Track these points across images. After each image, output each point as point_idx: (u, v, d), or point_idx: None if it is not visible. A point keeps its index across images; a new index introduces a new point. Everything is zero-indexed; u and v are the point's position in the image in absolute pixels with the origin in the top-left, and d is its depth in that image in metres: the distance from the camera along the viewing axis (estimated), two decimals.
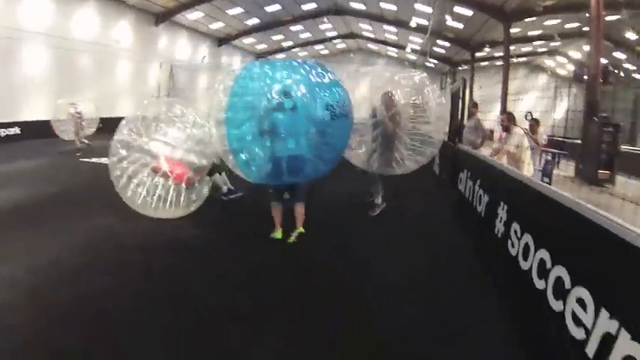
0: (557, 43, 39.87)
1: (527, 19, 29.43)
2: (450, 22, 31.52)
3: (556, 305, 3.34)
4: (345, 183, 9.47)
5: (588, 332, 2.81)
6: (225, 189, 8.17)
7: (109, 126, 26.42)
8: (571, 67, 47.66)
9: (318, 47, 51.47)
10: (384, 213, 7.92)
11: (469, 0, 27.72)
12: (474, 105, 12.24)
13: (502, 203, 5.37)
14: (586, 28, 33.52)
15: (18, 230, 6.58)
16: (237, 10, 34.33)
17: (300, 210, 6.42)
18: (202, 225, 7.03)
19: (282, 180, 5.80)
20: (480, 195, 6.56)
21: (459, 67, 48.43)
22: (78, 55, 25.42)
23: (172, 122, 6.86)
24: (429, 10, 31.32)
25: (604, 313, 2.68)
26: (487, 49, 39.00)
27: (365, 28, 43.97)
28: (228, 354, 3.56)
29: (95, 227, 6.84)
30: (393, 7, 34.69)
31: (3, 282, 4.66)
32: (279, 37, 43.85)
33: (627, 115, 37.61)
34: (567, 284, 3.22)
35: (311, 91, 5.54)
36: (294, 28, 41.64)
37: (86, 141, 17.63)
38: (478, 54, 41.17)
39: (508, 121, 7.84)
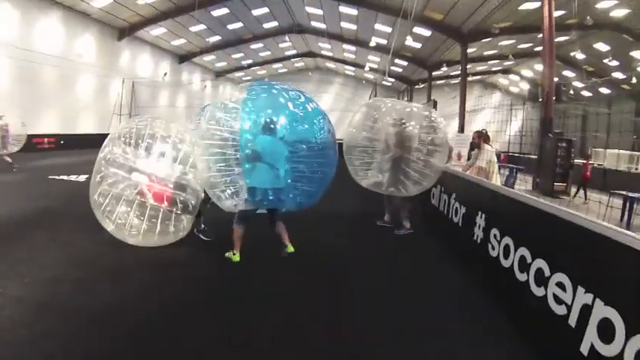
0: (511, 62, 41.44)
1: (483, 40, 30.54)
2: (408, 41, 32.52)
3: (538, 291, 4.06)
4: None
5: (569, 307, 3.53)
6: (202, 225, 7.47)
7: (70, 142, 26.50)
8: (524, 85, 49.67)
9: (276, 66, 52.00)
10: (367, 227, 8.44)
11: (428, 21, 28.58)
12: None
13: (480, 212, 5.89)
14: (538, 48, 35.21)
15: (13, 245, 6.61)
16: (200, 27, 34.51)
17: (281, 226, 6.48)
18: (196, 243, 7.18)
19: (263, 207, 6.10)
20: (457, 207, 7.07)
21: (416, 86, 49.75)
22: (39, 68, 24.82)
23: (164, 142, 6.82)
24: (388, 29, 32.26)
25: (581, 290, 3.42)
26: (444, 68, 40.17)
27: (324, 47, 44.71)
28: None
29: (91, 242, 6.92)
30: (353, 27, 35.55)
31: (9, 298, 4.70)
32: (239, 55, 44.12)
33: (577, 130, 39.44)
34: (547, 273, 3.96)
35: (290, 123, 5.71)
36: (254, 46, 42.01)
37: (8, 159, 15.79)
38: (435, 73, 42.40)
39: (479, 138, 8.43)
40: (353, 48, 41.94)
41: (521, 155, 30.04)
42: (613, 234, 3.21)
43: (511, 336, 4.34)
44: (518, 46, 35.34)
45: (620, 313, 2.95)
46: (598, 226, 3.43)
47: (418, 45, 35.28)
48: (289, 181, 5.75)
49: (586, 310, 3.31)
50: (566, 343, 3.46)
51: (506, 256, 4.90)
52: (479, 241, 5.84)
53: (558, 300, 3.70)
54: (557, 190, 15.04)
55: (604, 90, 40.28)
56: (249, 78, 52.42)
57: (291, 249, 6.41)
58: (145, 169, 6.60)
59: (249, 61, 46.80)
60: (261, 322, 4.46)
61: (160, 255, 6.43)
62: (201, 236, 7.26)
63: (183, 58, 40.55)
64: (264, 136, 5.64)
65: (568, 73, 38.55)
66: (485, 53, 37.27)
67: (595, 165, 22.34)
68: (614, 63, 32.44)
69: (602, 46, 31.46)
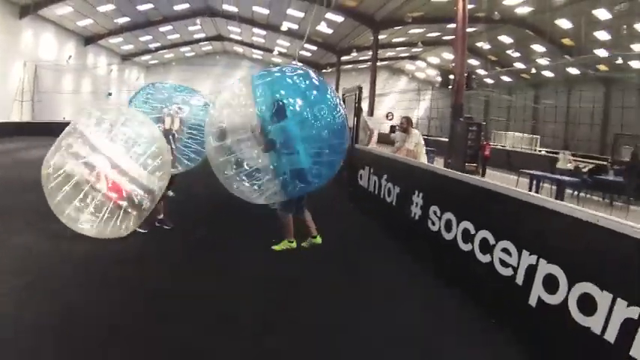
0: (419, 50, 42.99)
1: (395, 28, 31.48)
2: (320, 27, 32.87)
3: (484, 258, 4.61)
4: None
5: (515, 269, 4.10)
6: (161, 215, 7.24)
7: None
8: (430, 71, 51.67)
9: (184, 49, 50.66)
10: None
11: (342, 7, 29.03)
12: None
13: (417, 192, 6.28)
14: (447, 37, 36.95)
15: None
16: (108, 7, 32.43)
17: (308, 215, 6.48)
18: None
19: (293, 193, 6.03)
20: (390, 188, 7.44)
21: (323, 70, 50.32)
22: None
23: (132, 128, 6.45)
24: (301, 14, 32.45)
25: (525, 253, 4.00)
26: (354, 54, 40.96)
27: (234, 30, 43.98)
28: None
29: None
30: (266, 11, 35.35)
31: None
32: (148, 37, 42.34)
33: (479, 114, 41.72)
34: (492, 241, 4.48)
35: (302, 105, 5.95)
36: (163, 29, 40.49)
37: None
38: (343, 58, 43.10)
39: (407, 124, 8.88)
40: (263, 32, 41.61)
41: (429, 137, 31.35)
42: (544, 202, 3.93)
43: (460, 298, 4.85)
44: (427, 35, 36.73)
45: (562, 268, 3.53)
46: (534, 197, 4.10)
47: (330, 30, 35.68)
48: (310, 160, 5.91)
49: (531, 270, 3.88)
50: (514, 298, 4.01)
51: (448, 229, 5.32)
52: (417, 218, 6.21)
53: (505, 264, 4.21)
54: (468, 169, 15.86)
55: (505, 78, 42.78)
56: (156, 62, 50.79)
57: (318, 240, 6.45)
58: (109, 154, 6.17)
59: (157, 44, 45.13)
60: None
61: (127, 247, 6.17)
62: (164, 226, 7.08)
63: (89, 40, 38.19)
64: (275, 124, 5.78)
65: (473, 62, 40.55)
66: (395, 40, 38.38)
67: (498, 146, 24.08)
68: (516, 54, 34.65)
69: (505, 39, 33.39)
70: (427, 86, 53.41)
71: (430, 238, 5.76)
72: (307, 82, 6.12)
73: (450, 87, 18.27)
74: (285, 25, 35.16)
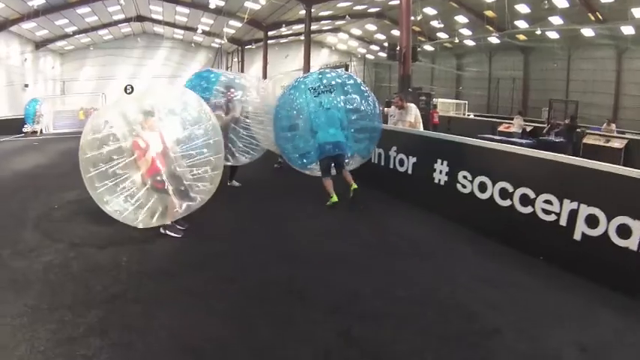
0: (343, 22, 43.47)
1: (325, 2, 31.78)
2: (247, 3, 32.56)
3: (525, 210, 5.61)
4: None
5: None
6: None
7: None
8: (352, 43, 52.29)
9: (102, 32, 48.00)
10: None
11: None
12: None
13: (440, 160, 6.95)
14: (372, 9, 37.73)
15: None
16: None
17: (346, 173, 7.71)
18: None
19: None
20: (402, 158, 8.11)
21: (247, 46, 49.89)
22: None
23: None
24: None
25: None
26: (283, 29, 40.93)
27: (155, 10, 42.42)
28: None
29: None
30: None
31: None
32: (64, 21, 39.60)
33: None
34: (532, 195, 5.34)
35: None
36: (81, 10, 38.12)
37: None
38: (270, 33, 42.89)
39: (402, 100, 9.52)
40: (186, 10, 40.54)
41: None
42: None
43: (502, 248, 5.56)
44: (354, 7, 37.27)
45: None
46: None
47: (257, 6, 35.44)
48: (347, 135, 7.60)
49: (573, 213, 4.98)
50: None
51: (483, 190, 6.02)
52: (442, 183, 6.88)
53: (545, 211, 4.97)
54: None
55: (429, 48, 44.19)
56: (72, 47, 47.91)
57: (354, 186, 7.53)
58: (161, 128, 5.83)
59: (74, 28, 42.62)
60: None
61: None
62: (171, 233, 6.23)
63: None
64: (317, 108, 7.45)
65: (396, 32, 41.45)
66: (322, 13, 38.59)
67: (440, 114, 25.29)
68: (440, 25, 35.94)
69: (430, 10, 34.43)
70: (348, 58, 53.91)
71: (467, 199, 6.46)
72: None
73: (397, 60, 18.72)
74: (213, 2, 34.53)
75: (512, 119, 24.23)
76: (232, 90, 8.12)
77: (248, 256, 5.45)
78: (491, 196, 5.98)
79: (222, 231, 6.53)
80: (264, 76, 38.84)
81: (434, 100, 23.32)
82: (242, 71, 46.89)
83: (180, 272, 4.99)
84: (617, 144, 16.62)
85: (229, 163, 8.22)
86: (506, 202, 5.75)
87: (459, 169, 6.60)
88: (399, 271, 5.08)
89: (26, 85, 38.42)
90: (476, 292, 4.51)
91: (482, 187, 6.14)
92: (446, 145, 7.08)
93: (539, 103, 34.59)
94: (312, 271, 5.01)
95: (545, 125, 19.39)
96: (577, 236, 4.95)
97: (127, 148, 5.60)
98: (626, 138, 17.12)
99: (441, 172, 7.00)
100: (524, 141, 15.60)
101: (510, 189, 5.69)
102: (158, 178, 5.69)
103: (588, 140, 17.30)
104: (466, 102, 36.06)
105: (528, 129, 19.36)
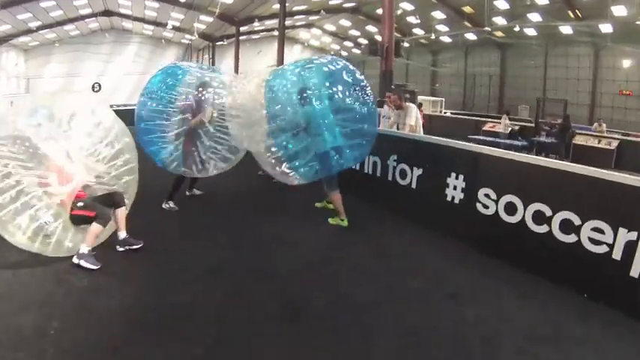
0: (316, 17, 42.59)
1: None
2: None
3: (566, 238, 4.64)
4: None
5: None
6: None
7: None
8: (325, 39, 51.45)
9: (68, 27, 46.09)
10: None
11: None
12: None
13: (454, 174, 5.95)
14: (348, 4, 36.87)
15: None
16: None
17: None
18: None
19: (332, 170, 6.09)
20: (404, 169, 7.02)
21: (219, 43, 48.67)
22: None
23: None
24: None
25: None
26: (256, 24, 39.87)
27: (123, 4, 40.85)
28: None
29: None
30: None
31: None
32: (27, 15, 37.81)
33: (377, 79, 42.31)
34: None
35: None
36: (45, 4, 36.42)
37: None
38: (242, 28, 41.78)
39: (400, 99, 8.36)
40: (156, 5, 39.06)
41: None
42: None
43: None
44: (330, 2, 36.39)
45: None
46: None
47: (230, 0, 34.26)
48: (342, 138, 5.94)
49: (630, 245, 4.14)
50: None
51: (511, 213, 5.03)
52: (457, 201, 5.89)
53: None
54: None
55: (405, 44, 43.50)
56: (36, 43, 45.88)
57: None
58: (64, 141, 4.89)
59: (39, 23, 40.61)
60: None
61: None
62: (124, 247, 5.28)
63: None
64: (304, 108, 5.84)
65: (371, 28, 40.87)
66: (296, 8, 37.61)
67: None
68: (416, 21, 35.26)
69: (407, 5, 33.65)
70: (321, 54, 52.92)
71: (490, 222, 5.47)
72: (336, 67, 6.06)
73: (379, 55, 17.85)
74: None
75: (491, 117, 23.66)
76: (201, 89, 6.92)
77: (224, 310, 4.17)
78: (522, 221, 4.99)
79: (185, 273, 4.90)
80: (236, 73, 37.71)
81: (418, 97, 22.41)
82: None
83: (129, 341, 3.62)
84: (608, 145, 16.05)
85: (196, 175, 7.10)
86: (542, 229, 4.78)
87: (478, 185, 5.58)
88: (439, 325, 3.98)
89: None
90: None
91: (511, 209, 5.12)
92: (461, 156, 6.00)
93: (515, 100, 34.35)
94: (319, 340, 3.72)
95: (532, 125, 18.74)
96: (635, 273, 4.04)
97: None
98: (618, 139, 16.59)
99: (455, 187, 5.96)
100: (519, 143, 14.82)
101: (548, 212, 4.72)
102: (79, 204, 4.91)
103: (578, 141, 16.68)
104: (443, 99, 35.38)
105: (516, 128, 18.58)
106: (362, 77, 6.13)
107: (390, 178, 7.27)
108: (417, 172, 6.69)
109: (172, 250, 5.46)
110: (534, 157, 5.29)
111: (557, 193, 4.71)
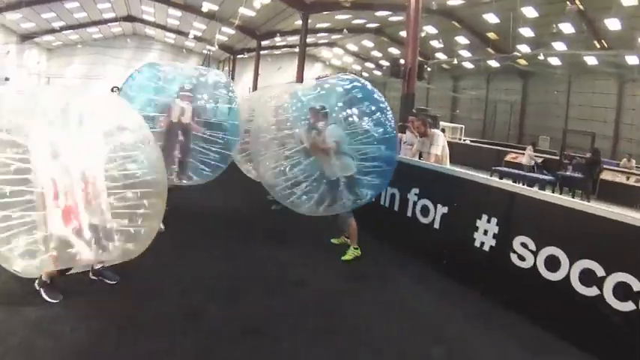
0: (338, 36, 42.22)
1: (323, 12, 30.35)
2: (242, 9, 31.09)
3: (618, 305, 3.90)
4: None
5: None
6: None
7: None
8: (347, 59, 51.07)
9: (91, 30, 46.25)
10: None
11: None
12: None
13: (486, 215, 5.19)
14: (370, 25, 36.42)
15: None
16: None
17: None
18: None
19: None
20: (426, 205, 6.23)
21: (240, 56, 48.43)
22: None
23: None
24: None
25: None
26: (277, 39, 39.54)
27: (147, 10, 40.85)
28: None
29: None
30: None
31: None
32: (51, 14, 37.84)
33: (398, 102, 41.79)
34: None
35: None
36: (69, 5, 36.42)
37: None
38: (264, 43, 41.52)
39: (424, 126, 7.60)
40: (178, 13, 38.97)
41: None
42: None
43: None
44: (353, 22, 35.95)
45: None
46: None
47: (252, 13, 33.92)
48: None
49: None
50: None
51: (554, 269, 4.28)
52: (487, 248, 5.14)
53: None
54: None
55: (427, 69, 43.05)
56: (59, 43, 46.14)
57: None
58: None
59: (62, 23, 40.70)
60: None
61: None
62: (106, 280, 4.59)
63: None
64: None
65: (394, 50, 40.35)
66: (319, 25, 37.20)
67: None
68: (439, 45, 34.70)
69: (431, 29, 33.09)
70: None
71: (526, 278, 4.69)
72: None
73: (401, 77, 17.21)
74: (206, 6, 32.95)
75: (512, 147, 22.89)
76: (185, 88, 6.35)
77: None
78: (567, 279, 4.24)
79: (164, 318, 4.14)
80: (255, 88, 37.35)
81: (440, 123, 21.68)
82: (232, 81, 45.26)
83: None
84: (638, 182, 15.24)
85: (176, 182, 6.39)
86: (592, 291, 4.04)
87: (514, 232, 4.80)
88: None
89: (7, 79, 36.46)
90: None
91: (553, 264, 4.35)
92: (495, 196, 5.25)
93: (536, 130, 33.58)
94: None
95: (558, 157, 17.91)
96: None
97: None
98: None
99: (485, 232, 5.19)
100: (545, 177, 14.05)
101: (600, 272, 3.99)
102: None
103: (606, 176, 15.84)
104: (463, 126, 34.63)
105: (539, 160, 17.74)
106: (382, 98, 5.65)
107: (409, 214, 6.50)
108: (442, 210, 5.92)
109: (148, 286, 4.71)
110: (587, 204, 4.47)
111: (615, 250, 3.96)
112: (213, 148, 6.56)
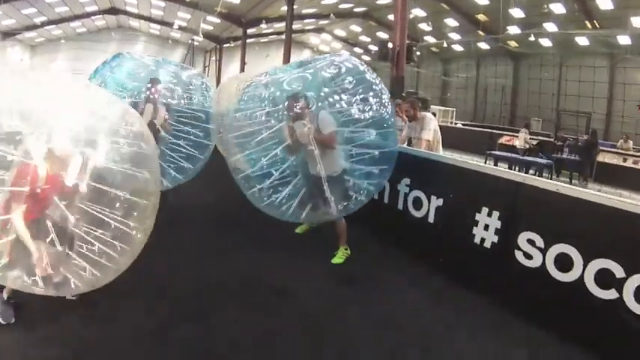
0: (326, 22, 41.55)
1: None
2: None
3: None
4: None
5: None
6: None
7: None
8: (335, 45, 50.45)
9: (74, 24, 45.21)
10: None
11: None
12: None
13: (486, 209, 4.64)
14: (358, 9, 35.77)
15: None
16: None
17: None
18: None
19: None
20: (419, 197, 5.67)
21: (226, 45, 47.63)
22: None
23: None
24: None
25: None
26: (263, 26, 38.87)
27: (130, 2, 40.02)
28: None
29: None
30: None
31: None
32: (31, 10, 36.75)
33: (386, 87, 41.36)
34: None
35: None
36: None
37: None
38: (250, 31, 40.77)
39: (413, 109, 7.03)
40: (162, 4, 38.14)
41: None
42: None
43: None
44: (340, 6, 35.33)
45: None
46: None
47: (236, 0, 33.21)
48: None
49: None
50: None
51: (565, 269, 3.77)
52: (488, 245, 4.60)
53: None
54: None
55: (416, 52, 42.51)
56: (42, 39, 45.19)
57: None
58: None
59: (44, 19, 39.65)
60: None
61: None
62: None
63: None
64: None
65: (382, 34, 39.70)
66: (305, 11, 36.51)
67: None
68: (428, 28, 34.11)
69: (419, 12, 32.47)
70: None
71: (533, 278, 4.14)
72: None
73: (389, 60, 16.61)
74: None
75: (505, 130, 22.52)
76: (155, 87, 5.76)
77: None
78: (581, 279, 3.72)
79: (124, 340, 3.56)
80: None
81: (431, 107, 21.11)
82: (219, 71, 44.70)
83: None
84: (635, 164, 14.80)
85: None
86: (609, 294, 3.53)
87: (520, 227, 4.25)
88: None
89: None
90: None
91: (565, 263, 3.82)
92: (496, 186, 4.67)
93: (527, 112, 33.25)
94: None
95: (553, 139, 17.44)
96: None
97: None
98: None
99: (486, 227, 4.63)
100: (542, 161, 13.57)
101: (619, 273, 3.47)
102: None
103: (603, 159, 15.38)
104: (454, 109, 34.14)
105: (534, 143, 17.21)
106: (376, 79, 5.02)
107: (400, 206, 5.95)
108: (437, 202, 5.36)
109: (112, 302, 4.02)
110: (605, 195, 3.86)
111: (636, 249, 3.43)
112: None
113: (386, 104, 4.92)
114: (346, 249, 5.51)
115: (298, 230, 6.22)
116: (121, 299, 3.98)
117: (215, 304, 4.22)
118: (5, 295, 3.58)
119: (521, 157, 14.01)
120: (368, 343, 3.79)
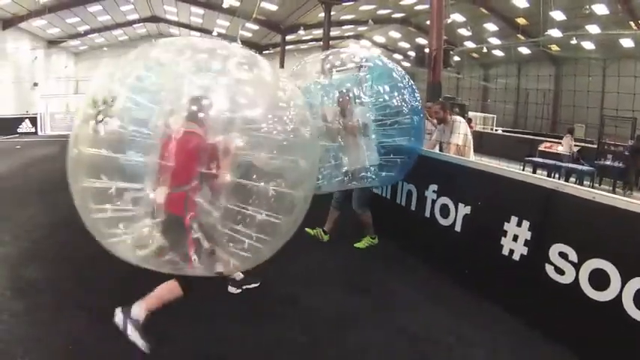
0: (365, 28, 41.37)
1: (345, 4, 29.57)
2: (264, 4, 30.52)
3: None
4: None
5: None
6: None
7: None
8: (375, 51, 50.04)
9: (116, 32, 46.28)
10: None
11: None
12: None
13: (516, 218, 4.30)
14: (396, 15, 35.44)
15: None
16: None
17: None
18: None
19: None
20: (446, 204, 5.39)
21: (265, 51, 47.84)
22: None
23: None
24: None
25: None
26: (301, 32, 38.85)
27: (170, 10, 40.68)
28: None
29: None
30: None
31: None
32: (75, 19, 37.72)
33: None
34: None
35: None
36: (92, 9, 36.26)
37: None
38: (288, 37, 40.92)
39: (443, 111, 6.74)
40: (201, 11, 38.69)
41: None
42: None
43: None
44: (378, 12, 35.08)
45: None
46: None
47: (274, 7, 33.36)
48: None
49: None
50: None
51: (601, 287, 3.40)
52: (517, 257, 4.26)
53: None
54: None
55: (455, 57, 41.80)
56: (86, 47, 46.43)
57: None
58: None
59: (87, 27, 40.73)
60: None
61: None
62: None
63: (7, 22, 33.28)
64: None
65: (421, 40, 39.23)
66: (343, 18, 36.39)
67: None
68: (467, 33, 33.53)
69: (458, 17, 31.92)
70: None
71: (565, 295, 3.78)
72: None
73: (424, 65, 16.24)
74: (227, 2, 32.44)
75: (546, 136, 21.89)
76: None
77: None
78: (618, 299, 3.35)
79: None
80: None
81: (468, 112, 20.59)
82: None
83: None
84: None
85: None
86: None
87: (552, 238, 3.90)
88: None
89: (35, 84, 36.82)
90: None
91: (601, 281, 3.46)
92: (528, 194, 4.31)
93: (570, 118, 32.15)
94: None
95: (595, 146, 16.70)
96: None
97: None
98: None
99: (515, 238, 4.29)
100: (584, 168, 13.00)
101: None
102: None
103: None
104: (494, 116, 33.39)
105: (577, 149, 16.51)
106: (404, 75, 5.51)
107: (427, 214, 5.66)
108: (464, 210, 5.05)
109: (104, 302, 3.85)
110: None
111: None
112: None
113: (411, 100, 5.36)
114: (373, 238, 5.88)
115: (309, 230, 6.03)
116: (121, 300, 3.80)
117: (211, 314, 4.01)
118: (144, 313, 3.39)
119: (559, 164, 13.42)
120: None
